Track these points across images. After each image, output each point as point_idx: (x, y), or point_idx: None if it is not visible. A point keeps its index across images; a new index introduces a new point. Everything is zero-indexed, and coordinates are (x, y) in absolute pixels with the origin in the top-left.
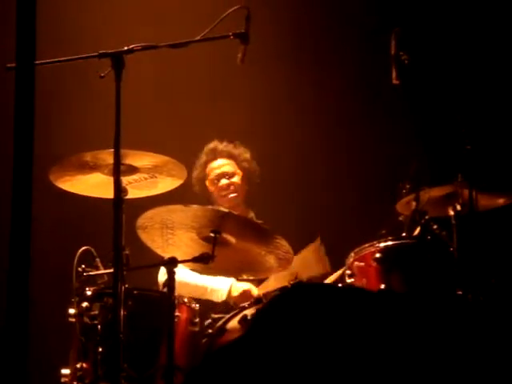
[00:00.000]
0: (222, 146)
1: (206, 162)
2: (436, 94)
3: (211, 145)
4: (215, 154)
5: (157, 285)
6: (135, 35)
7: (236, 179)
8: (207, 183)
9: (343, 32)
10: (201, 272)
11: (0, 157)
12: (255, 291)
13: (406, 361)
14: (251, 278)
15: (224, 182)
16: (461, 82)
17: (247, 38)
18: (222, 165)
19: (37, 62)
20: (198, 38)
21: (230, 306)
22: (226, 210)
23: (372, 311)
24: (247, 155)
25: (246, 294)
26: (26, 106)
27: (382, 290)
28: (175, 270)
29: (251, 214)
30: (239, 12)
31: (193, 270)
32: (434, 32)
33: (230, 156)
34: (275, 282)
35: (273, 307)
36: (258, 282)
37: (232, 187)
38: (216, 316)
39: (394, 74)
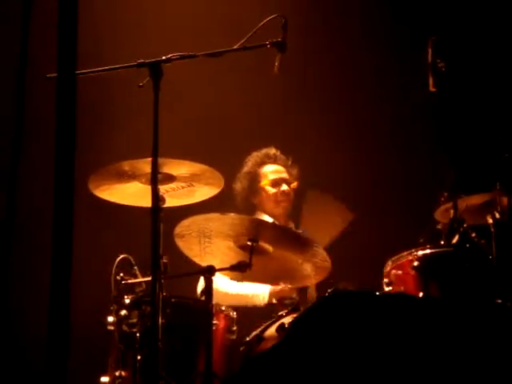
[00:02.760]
0: (277, 153)
1: (261, 165)
2: (473, 101)
3: (265, 150)
4: (274, 159)
5: (196, 293)
6: (173, 45)
7: (293, 187)
8: (262, 185)
9: (379, 41)
10: (238, 280)
11: (42, 166)
12: (294, 293)
13: (449, 367)
14: (289, 286)
15: (285, 187)
16: (497, 88)
17: (284, 46)
18: (282, 171)
19: (77, 71)
20: (236, 46)
21: (269, 311)
22: (267, 220)
23: (412, 318)
24: (296, 167)
25: (285, 291)
26: (68, 115)
27: (423, 296)
28: (215, 280)
29: (291, 224)
30: (276, 21)
31: (231, 279)
32: (471, 40)
33: (285, 164)
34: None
35: (310, 315)
36: (296, 290)
37: (291, 194)
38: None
39: (430, 82)
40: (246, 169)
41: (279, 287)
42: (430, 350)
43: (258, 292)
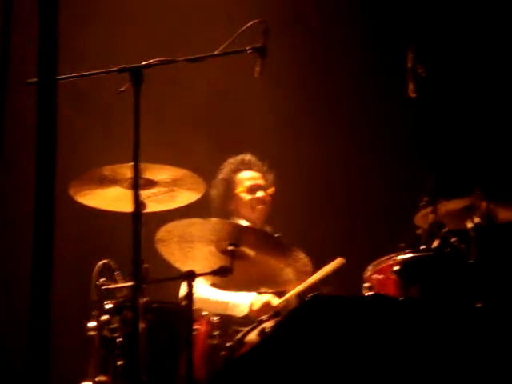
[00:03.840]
0: (252, 159)
1: (236, 172)
2: (452, 107)
3: (240, 156)
4: (249, 166)
5: (177, 299)
6: (154, 50)
7: (269, 193)
8: (238, 192)
9: (360, 46)
10: (220, 286)
11: (22, 172)
12: (275, 302)
13: (430, 370)
14: (270, 290)
15: (261, 193)
16: (478, 93)
17: (265, 51)
18: (257, 177)
19: (58, 76)
20: (216, 52)
21: (250, 319)
22: (245, 224)
23: (393, 320)
24: (272, 173)
25: (266, 307)
26: (48, 120)
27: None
28: (196, 286)
29: (269, 229)
30: (256, 26)
31: (212, 284)
32: (451, 45)
33: (261, 170)
34: (296, 295)
35: (291, 320)
36: (278, 295)
37: (267, 200)
38: (237, 328)
39: (410, 88)
40: (221, 176)
41: (260, 304)
42: (412, 352)
43: (239, 302)
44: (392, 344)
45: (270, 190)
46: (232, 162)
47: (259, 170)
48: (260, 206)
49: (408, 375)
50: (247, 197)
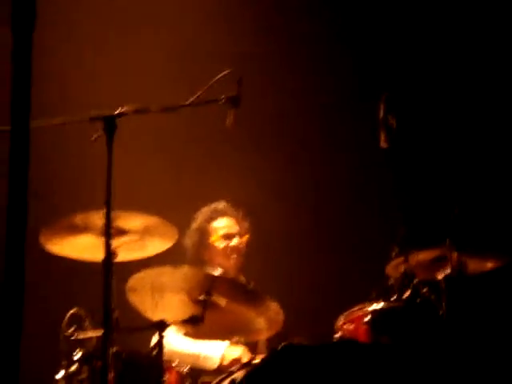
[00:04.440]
0: (226, 206)
1: (210, 220)
2: (424, 156)
3: (214, 204)
4: (223, 213)
5: (148, 348)
6: (127, 97)
7: (244, 240)
8: (212, 241)
9: (331, 96)
10: (192, 335)
11: None
12: (246, 357)
13: None
14: (242, 340)
15: (236, 241)
16: (449, 144)
17: (239, 101)
18: (231, 225)
19: (31, 123)
20: (189, 101)
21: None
22: (216, 274)
23: (365, 364)
24: (247, 220)
25: (237, 363)
26: (21, 166)
27: (375, 342)
28: (168, 336)
29: (242, 278)
30: (230, 76)
31: (185, 333)
32: (422, 95)
33: (235, 217)
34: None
35: (262, 369)
36: (250, 346)
37: (242, 248)
38: (206, 379)
39: (382, 138)
40: (195, 225)
41: (230, 359)
42: None
43: (210, 354)
44: None
45: (245, 237)
46: (206, 210)
47: (234, 217)
48: (234, 255)
49: None
50: (222, 244)
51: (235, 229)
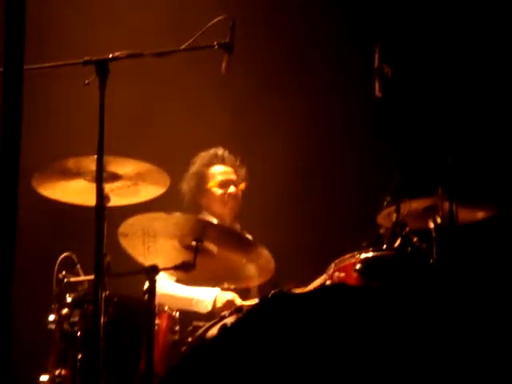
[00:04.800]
0: (225, 153)
1: (208, 166)
2: (417, 106)
3: (213, 150)
4: (221, 160)
5: (140, 293)
6: (121, 42)
7: (241, 188)
8: (209, 186)
9: (326, 44)
10: (184, 281)
11: None
12: (239, 302)
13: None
14: (232, 286)
15: (233, 189)
16: (442, 94)
17: (232, 47)
18: (229, 172)
19: (24, 66)
20: (183, 47)
21: (213, 314)
22: (208, 220)
23: (356, 308)
24: (244, 168)
25: (229, 305)
26: (14, 110)
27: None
28: (160, 281)
29: (237, 225)
30: (224, 22)
31: (176, 280)
32: (417, 45)
33: (233, 165)
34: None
35: (252, 315)
36: (241, 292)
37: (238, 195)
38: (198, 324)
39: (376, 87)
40: (193, 169)
41: (223, 301)
42: (372, 339)
43: (203, 298)
44: (352, 335)
45: (242, 186)
46: (204, 155)
47: (231, 165)
48: (231, 203)
49: (370, 365)
50: (219, 191)
51: (233, 176)
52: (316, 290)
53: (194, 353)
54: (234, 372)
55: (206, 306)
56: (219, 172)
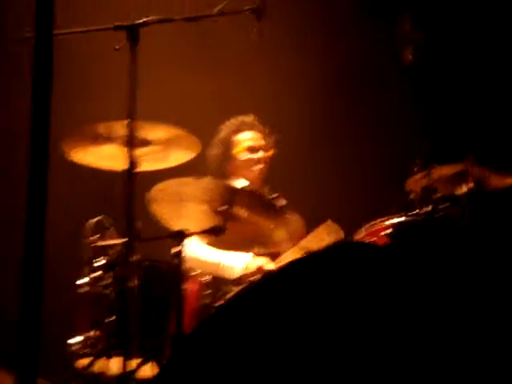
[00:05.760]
0: (254, 120)
1: (237, 132)
2: (448, 73)
3: (242, 117)
4: (250, 127)
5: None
6: (152, 7)
7: (269, 154)
8: (236, 152)
9: (353, 12)
10: (214, 246)
11: (18, 128)
12: (270, 266)
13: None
14: (262, 251)
15: (261, 154)
16: (473, 62)
17: (262, 13)
18: (258, 137)
19: (55, 31)
20: (214, 11)
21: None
22: (239, 186)
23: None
24: (273, 135)
25: (260, 270)
26: (44, 75)
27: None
28: (191, 245)
29: (266, 190)
30: None
31: (208, 244)
32: (448, 12)
33: (262, 132)
34: (291, 257)
35: (278, 278)
36: (273, 257)
37: (267, 161)
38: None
39: (407, 53)
40: (221, 135)
41: (254, 267)
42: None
43: (231, 264)
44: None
45: (270, 152)
46: (233, 122)
47: (260, 132)
48: (259, 166)
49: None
50: (246, 156)
51: (260, 142)
52: (336, 248)
53: (218, 311)
54: (256, 330)
55: (234, 273)
56: (248, 138)
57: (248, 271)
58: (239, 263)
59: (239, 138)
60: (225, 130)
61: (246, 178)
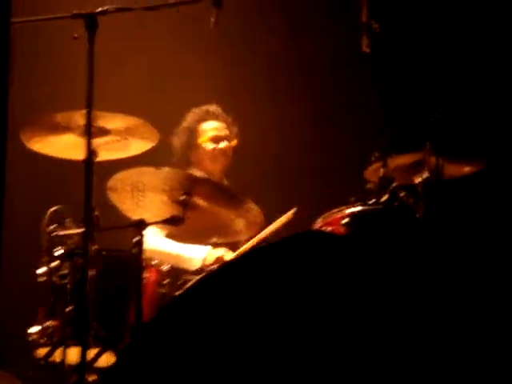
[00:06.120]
0: (218, 109)
1: (200, 121)
2: (405, 62)
3: (206, 106)
4: (214, 116)
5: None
6: None
7: (233, 145)
8: (200, 141)
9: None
10: (173, 236)
11: None
12: (229, 257)
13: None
14: (220, 241)
15: (224, 144)
16: (429, 50)
17: (221, 1)
18: (222, 127)
19: (12, 20)
20: (173, 0)
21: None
22: (197, 175)
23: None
24: (236, 125)
25: (220, 261)
26: (1, 65)
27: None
28: (148, 237)
29: (225, 182)
30: None
31: (166, 235)
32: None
33: (225, 121)
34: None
35: (236, 265)
36: (231, 247)
37: (229, 152)
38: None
39: (364, 43)
40: (184, 124)
41: (214, 258)
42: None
43: (192, 256)
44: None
45: (234, 142)
46: (197, 111)
47: (224, 121)
48: (221, 159)
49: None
50: (210, 146)
51: (224, 132)
52: (294, 237)
53: (177, 300)
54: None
55: (194, 264)
56: (211, 127)
57: (207, 262)
58: (198, 254)
59: (204, 128)
60: (189, 118)
61: (208, 169)
